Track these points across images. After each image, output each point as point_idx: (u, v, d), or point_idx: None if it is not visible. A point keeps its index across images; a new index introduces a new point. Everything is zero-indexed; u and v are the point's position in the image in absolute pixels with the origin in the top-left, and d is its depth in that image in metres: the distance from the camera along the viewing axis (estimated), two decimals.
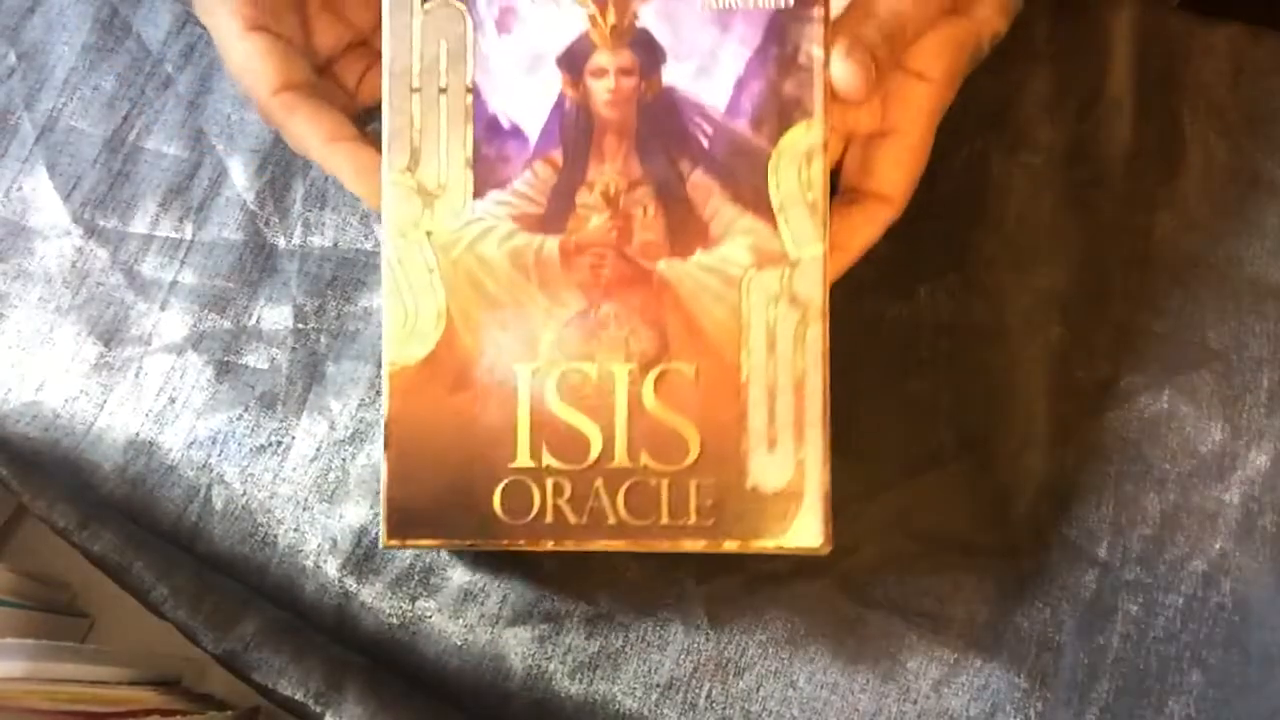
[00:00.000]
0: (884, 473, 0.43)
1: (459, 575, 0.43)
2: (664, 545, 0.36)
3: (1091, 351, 0.43)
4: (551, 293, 0.36)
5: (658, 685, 0.41)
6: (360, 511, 0.43)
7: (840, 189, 0.39)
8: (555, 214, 0.36)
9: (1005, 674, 0.41)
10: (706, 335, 0.36)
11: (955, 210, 0.45)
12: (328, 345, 0.45)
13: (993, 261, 0.44)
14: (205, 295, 0.46)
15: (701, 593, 0.42)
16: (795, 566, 0.42)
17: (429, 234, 0.36)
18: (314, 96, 0.37)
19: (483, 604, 0.42)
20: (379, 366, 0.36)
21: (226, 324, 0.45)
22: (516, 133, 0.36)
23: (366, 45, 0.41)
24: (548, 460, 0.36)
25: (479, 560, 0.43)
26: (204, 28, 0.39)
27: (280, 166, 0.47)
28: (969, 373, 0.43)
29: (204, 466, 0.44)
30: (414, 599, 0.42)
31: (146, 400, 0.45)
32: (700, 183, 0.36)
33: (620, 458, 0.36)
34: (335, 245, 0.46)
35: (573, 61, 0.36)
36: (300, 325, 0.45)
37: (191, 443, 0.44)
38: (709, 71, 0.35)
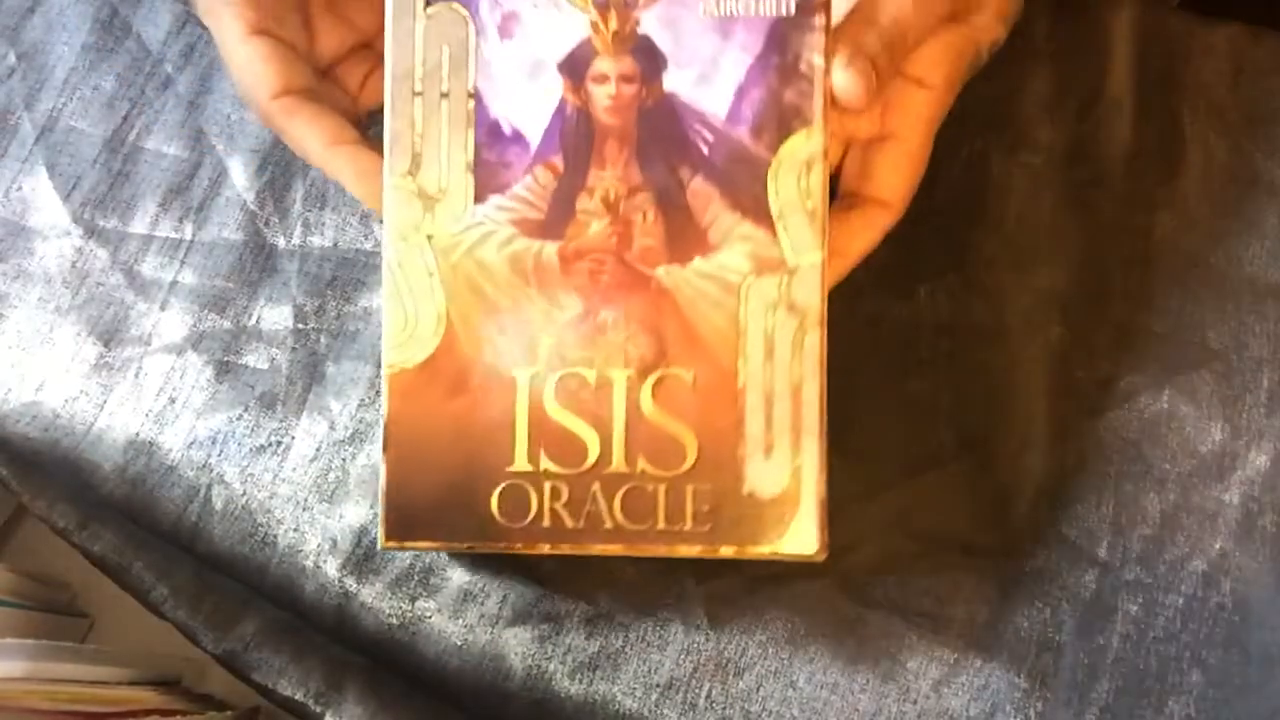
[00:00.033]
0: (884, 473, 0.43)
1: (459, 576, 0.43)
2: (660, 550, 0.36)
3: (1091, 351, 0.43)
4: (551, 297, 0.36)
5: (658, 685, 0.41)
6: (360, 512, 0.43)
7: (839, 194, 0.39)
8: (555, 219, 0.36)
9: (1005, 674, 0.41)
10: (704, 341, 0.36)
11: (955, 210, 0.45)
12: (328, 345, 0.45)
13: (993, 261, 0.44)
14: (205, 295, 0.46)
15: (701, 593, 0.42)
16: (795, 567, 0.42)
17: (429, 238, 0.36)
18: (314, 101, 0.37)
19: (483, 604, 0.42)
20: (379, 367, 0.37)
21: (226, 324, 0.45)
22: (518, 138, 0.36)
23: (370, 48, 0.41)
24: (545, 464, 0.36)
25: (479, 561, 0.43)
26: (205, 29, 0.39)
27: (280, 166, 0.47)
28: (969, 373, 0.43)
29: (204, 466, 0.44)
30: (414, 599, 0.42)
31: (146, 400, 0.45)
32: (700, 189, 0.36)
33: (618, 462, 0.36)
34: (335, 245, 0.46)
35: (574, 67, 0.36)
36: (300, 325, 0.45)
37: (191, 443, 0.44)
38: (710, 79, 0.36)
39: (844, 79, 0.35)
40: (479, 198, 0.36)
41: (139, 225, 0.47)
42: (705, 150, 0.36)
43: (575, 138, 0.36)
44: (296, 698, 0.39)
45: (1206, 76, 0.46)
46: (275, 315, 0.45)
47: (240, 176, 0.47)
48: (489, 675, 0.42)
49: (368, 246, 0.46)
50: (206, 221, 0.46)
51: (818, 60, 0.35)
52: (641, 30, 0.36)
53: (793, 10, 0.35)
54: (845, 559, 0.42)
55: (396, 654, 0.42)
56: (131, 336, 0.45)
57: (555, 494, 0.36)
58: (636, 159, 0.36)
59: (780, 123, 0.35)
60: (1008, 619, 0.41)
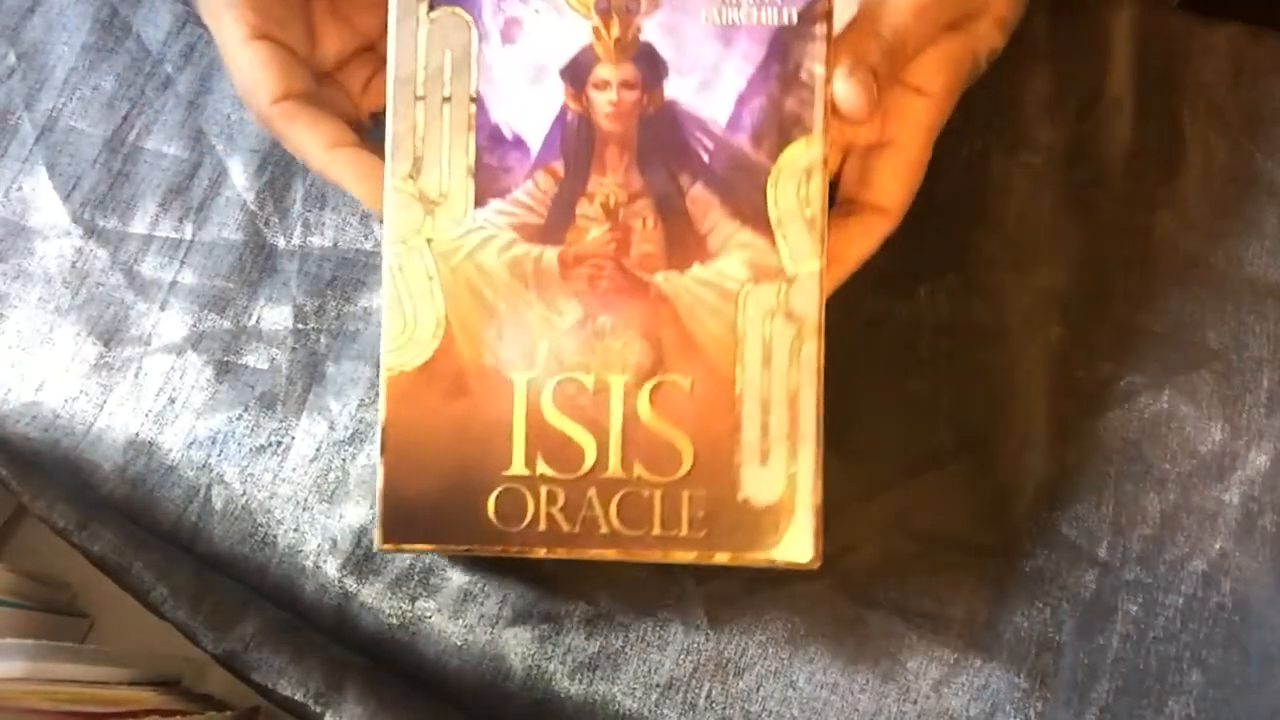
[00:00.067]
0: (884, 473, 0.43)
1: (459, 576, 0.43)
2: (656, 555, 0.36)
3: (1091, 351, 0.43)
4: (549, 302, 0.36)
5: (658, 685, 0.41)
6: (360, 512, 0.43)
7: (838, 200, 0.39)
8: (555, 224, 0.36)
9: (1005, 674, 0.41)
10: (702, 348, 0.36)
11: (955, 210, 0.45)
12: (328, 345, 0.45)
13: (993, 261, 0.44)
14: (205, 295, 0.46)
15: (701, 593, 0.42)
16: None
17: (429, 241, 0.36)
18: (314, 105, 0.37)
19: (482, 604, 0.42)
20: (379, 367, 0.37)
21: (226, 324, 0.45)
22: (518, 143, 0.36)
23: (372, 51, 0.41)
24: (542, 468, 0.36)
25: (479, 561, 0.43)
26: (205, 29, 0.39)
27: (280, 166, 0.47)
28: (969, 373, 0.43)
29: (204, 466, 0.44)
30: (414, 599, 0.42)
31: (146, 400, 0.45)
32: (699, 197, 0.36)
33: (614, 468, 0.36)
34: (335, 245, 0.46)
35: (576, 73, 0.36)
36: (300, 325, 0.45)
37: (191, 443, 0.44)
38: (711, 86, 0.36)
39: (846, 90, 0.35)
40: (479, 202, 0.36)
41: (139, 225, 0.47)
42: (705, 157, 0.36)
43: (576, 143, 0.36)
44: (296, 698, 0.39)
45: (1206, 76, 0.46)
46: (275, 315, 0.45)
47: (240, 176, 0.47)
48: (489, 675, 0.42)
49: (368, 246, 0.46)
50: (206, 221, 0.46)
51: (819, 69, 0.35)
52: (643, 37, 0.36)
53: (794, 19, 0.35)
54: (845, 559, 0.42)
55: (396, 654, 0.42)
56: (131, 336, 0.45)
57: (552, 498, 0.36)
58: (637, 165, 0.36)
59: (780, 131, 0.35)
60: (1008, 619, 0.41)
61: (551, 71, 0.36)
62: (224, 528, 0.43)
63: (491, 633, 0.42)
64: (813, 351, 0.36)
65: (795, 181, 0.35)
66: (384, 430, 0.36)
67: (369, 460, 0.44)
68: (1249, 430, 0.42)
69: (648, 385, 0.36)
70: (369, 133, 0.39)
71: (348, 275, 0.46)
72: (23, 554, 0.45)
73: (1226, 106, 0.45)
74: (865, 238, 0.38)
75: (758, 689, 0.41)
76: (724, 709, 0.41)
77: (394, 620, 0.42)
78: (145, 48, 0.48)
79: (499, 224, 0.36)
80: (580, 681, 0.42)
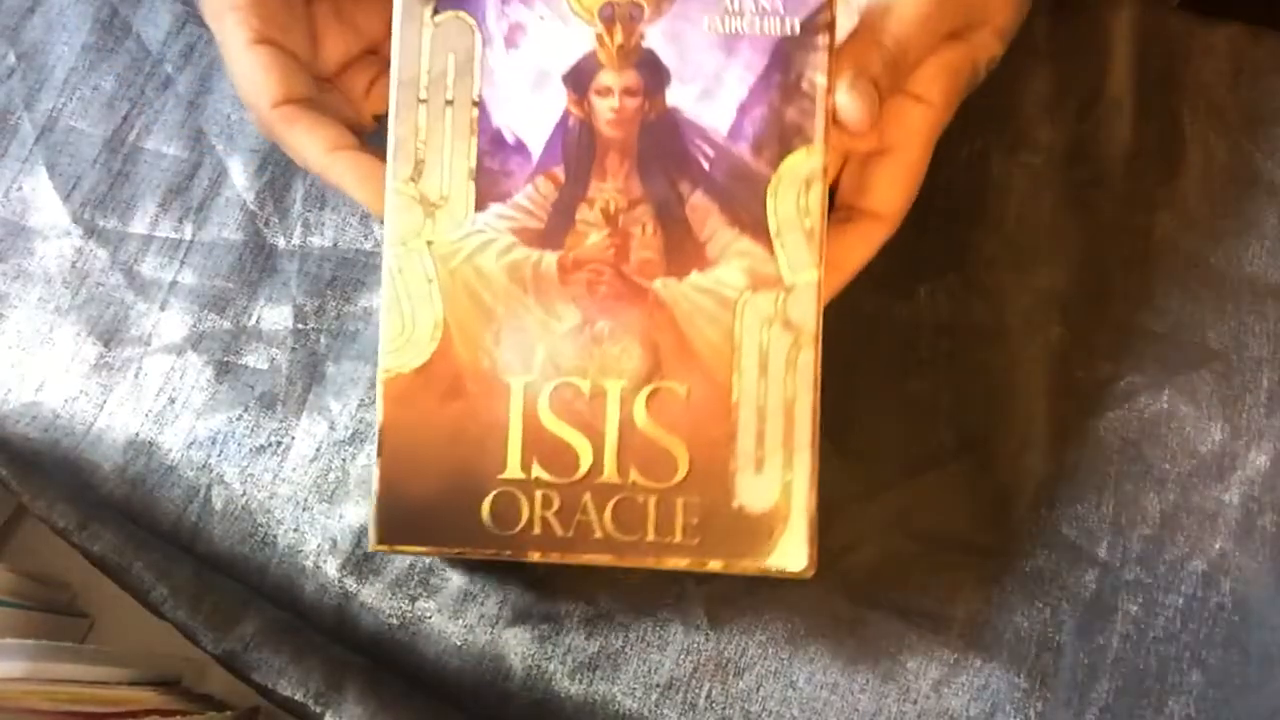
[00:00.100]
0: (884, 473, 0.43)
1: (459, 576, 0.43)
2: (649, 562, 0.36)
3: (1091, 351, 0.43)
4: (548, 307, 0.36)
5: (658, 685, 0.41)
6: (360, 511, 0.43)
7: (836, 206, 0.39)
8: (555, 229, 0.36)
9: (1005, 674, 0.41)
10: (699, 355, 0.36)
11: (955, 210, 0.45)
12: (327, 345, 0.45)
13: (993, 261, 0.44)
14: (205, 295, 0.46)
15: (701, 593, 0.42)
16: None
17: (429, 244, 0.36)
18: (314, 110, 0.38)
19: (482, 604, 0.42)
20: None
21: (226, 324, 0.45)
22: (520, 147, 0.36)
23: (376, 54, 0.41)
24: (537, 472, 0.36)
25: (478, 561, 0.43)
26: (206, 30, 0.39)
27: (280, 166, 0.47)
28: (969, 373, 0.43)
29: (204, 466, 0.44)
30: (414, 599, 0.42)
31: (146, 400, 0.45)
32: (699, 204, 0.36)
33: (609, 473, 0.36)
34: (335, 245, 0.46)
35: (578, 79, 0.36)
36: (300, 325, 0.45)
37: (191, 443, 0.44)
38: (713, 94, 0.36)
39: (847, 102, 0.35)
40: (480, 205, 0.36)
41: (139, 225, 0.47)
42: (706, 165, 0.36)
43: (577, 149, 0.36)
44: (296, 698, 0.39)
45: (1206, 76, 0.46)
46: (275, 315, 0.45)
47: (240, 176, 0.47)
48: (489, 675, 0.42)
49: (368, 247, 0.46)
50: (206, 221, 0.46)
51: (820, 79, 0.35)
52: (646, 45, 0.36)
53: (797, 30, 0.35)
54: (845, 559, 0.42)
55: (396, 654, 0.42)
56: (131, 336, 0.45)
57: (546, 502, 0.36)
58: (637, 172, 0.36)
59: (781, 140, 0.36)
60: (1008, 619, 0.41)
61: (554, 77, 0.36)
62: (224, 528, 0.43)
63: (491, 633, 0.42)
64: (809, 360, 0.36)
65: (795, 191, 0.35)
66: (381, 432, 0.36)
67: (369, 460, 0.44)
68: (1249, 430, 0.42)
69: (644, 391, 0.36)
70: (370, 136, 0.39)
71: (348, 275, 0.46)
72: (23, 554, 0.45)
73: (1226, 106, 0.45)
74: (863, 245, 0.38)
75: (758, 689, 0.41)
76: (724, 709, 0.41)
77: (394, 620, 0.42)
78: (145, 48, 0.48)
79: (499, 228, 0.36)
80: (580, 681, 0.42)
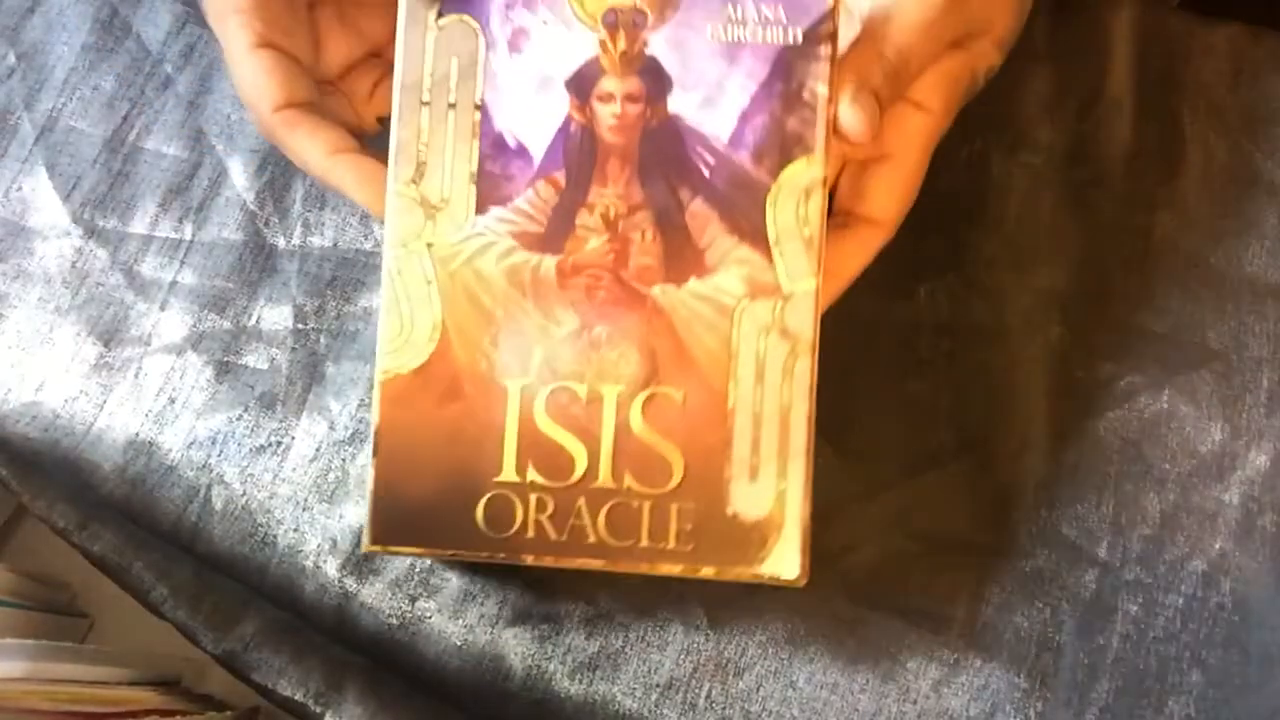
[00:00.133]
0: (884, 473, 0.43)
1: (458, 576, 0.43)
2: (642, 567, 0.36)
3: (1091, 351, 0.43)
4: (546, 311, 0.36)
5: (658, 685, 0.41)
6: (360, 511, 0.43)
7: (833, 211, 0.39)
8: (555, 234, 0.36)
9: (1005, 674, 0.41)
10: (696, 362, 0.36)
11: (955, 210, 0.45)
12: (327, 345, 0.45)
13: (993, 261, 0.44)
14: (205, 295, 0.46)
15: (701, 593, 0.42)
16: None
17: (430, 246, 0.36)
18: (315, 113, 0.38)
19: (482, 604, 0.42)
20: None
21: (226, 324, 0.45)
22: (522, 151, 0.36)
23: (379, 57, 0.41)
24: (532, 476, 0.36)
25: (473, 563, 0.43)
26: (205, 29, 0.39)
27: (280, 166, 0.47)
28: (969, 373, 0.43)
29: (204, 466, 0.44)
30: (414, 599, 0.42)
31: (146, 400, 0.45)
32: (699, 211, 0.36)
33: (604, 478, 0.36)
34: (335, 245, 0.46)
35: (581, 85, 0.36)
36: (300, 325, 0.45)
37: (191, 443, 0.44)
38: (714, 102, 0.36)
39: (849, 114, 0.35)
40: (480, 209, 0.36)
41: (139, 225, 0.47)
42: (706, 173, 0.36)
43: (578, 154, 0.36)
44: (296, 698, 0.39)
45: (1206, 76, 0.46)
46: (275, 315, 0.45)
47: (240, 176, 0.47)
48: (489, 675, 0.42)
49: (367, 246, 0.46)
50: (206, 221, 0.46)
51: (822, 89, 0.36)
52: (649, 51, 0.36)
53: (799, 39, 0.36)
54: (845, 559, 0.42)
55: (396, 654, 0.42)
56: (131, 336, 0.45)
57: (541, 506, 0.36)
58: (638, 178, 0.36)
59: (782, 149, 0.36)
60: (1008, 619, 0.41)
61: (557, 82, 0.36)
62: (224, 528, 0.44)
63: (491, 633, 0.42)
64: (806, 369, 0.36)
65: (795, 200, 0.36)
66: (377, 432, 0.36)
67: (369, 460, 0.44)
68: (1249, 430, 0.42)
69: (641, 396, 0.36)
70: (371, 139, 0.39)
71: (348, 275, 0.46)
72: (23, 554, 0.45)
73: (1226, 106, 0.45)
74: (859, 251, 0.38)
75: (758, 689, 0.41)
76: (724, 709, 0.41)
77: (394, 620, 0.42)
78: (145, 48, 0.48)
79: (499, 231, 0.36)
80: (580, 681, 0.42)
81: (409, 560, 0.43)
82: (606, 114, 0.36)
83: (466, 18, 0.36)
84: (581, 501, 0.36)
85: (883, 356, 0.44)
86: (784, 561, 0.36)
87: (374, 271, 0.46)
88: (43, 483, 0.42)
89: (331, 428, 0.44)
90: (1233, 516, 0.42)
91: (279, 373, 0.45)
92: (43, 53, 0.48)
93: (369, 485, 0.36)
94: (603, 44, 0.36)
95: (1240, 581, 0.41)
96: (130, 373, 0.45)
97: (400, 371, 0.36)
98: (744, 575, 0.36)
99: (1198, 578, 0.41)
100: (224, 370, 0.45)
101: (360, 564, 0.43)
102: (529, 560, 0.36)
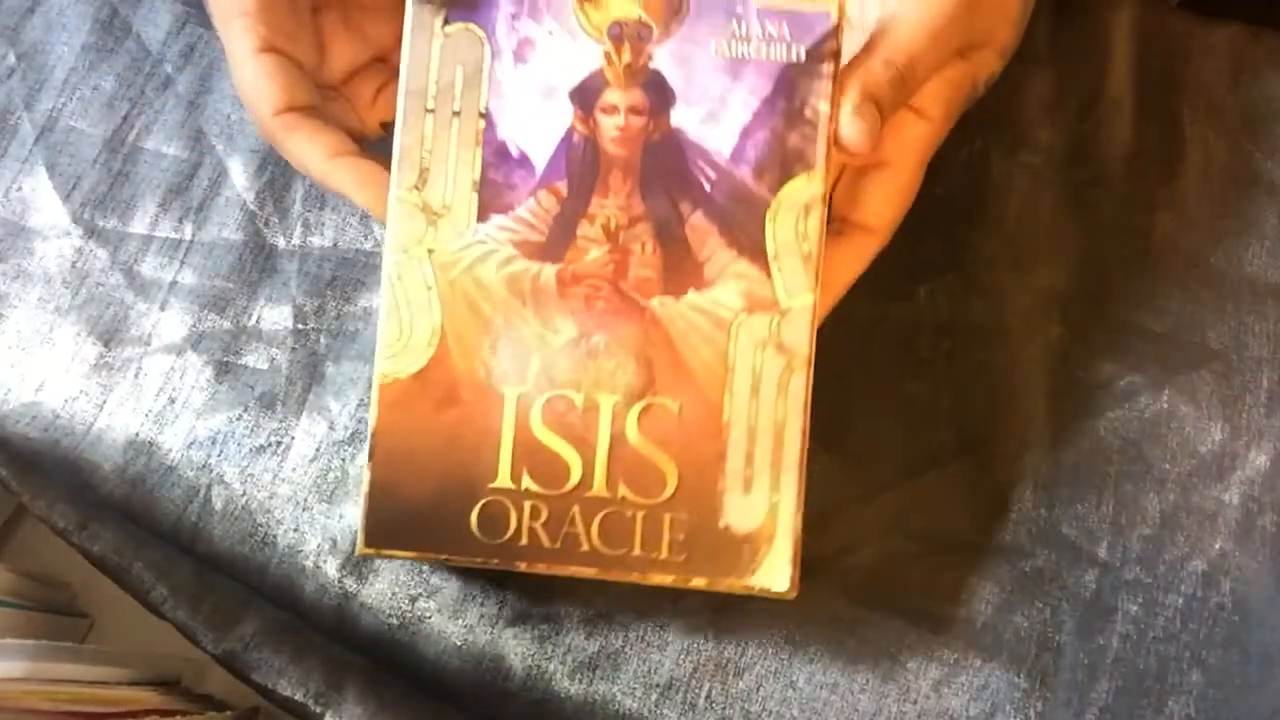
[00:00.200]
0: (883, 473, 0.43)
1: (458, 576, 0.43)
2: (634, 577, 0.36)
3: (1091, 351, 0.43)
4: (545, 320, 0.36)
5: (658, 685, 0.41)
6: (360, 512, 0.43)
7: (829, 217, 0.39)
8: (555, 243, 0.36)
9: (1005, 674, 0.41)
10: (693, 374, 0.36)
11: (955, 210, 0.45)
12: (327, 345, 0.45)
13: (993, 261, 0.44)
14: (205, 295, 0.46)
15: (701, 593, 0.42)
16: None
17: (430, 252, 0.36)
18: (315, 118, 0.38)
19: (482, 604, 0.42)
20: None
21: (226, 324, 0.45)
22: (524, 161, 0.36)
23: (384, 63, 0.41)
24: (527, 483, 0.36)
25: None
26: (206, 29, 0.39)
27: (280, 166, 0.47)
28: (969, 373, 0.43)
29: (204, 467, 0.44)
30: (414, 599, 0.42)
31: (146, 400, 0.45)
32: (699, 225, 0.36)
33: (599, 487, 0.36)
34: (335, 245, 0.46)
35: (585, 96, 0.36)
36: (300, 325, 0.45)
37: (191, 443, 0.44)
38: (717, 117, 0.36)
39: (850, 127, 0.35)
40: (482, 216, 0.36)
41: (139, 225, 0.47)
42: (707, 187, 0.36)
43: (581, 165, 0.36)
44: (296, 698, 0.39)
45: (1206, 76, 0.46)
46: (275, 315, 0.45)
47: (240, 176, 0.47)
48: (489, 675, 0.42)
49: (368, 247, 0.46)
50: (206, 221, 0.46)
51: (823, 107, 0.36)
52: (653, 65, 0.36)
53: (803, 57, 0.36)
54: (844, 560, 0.42)
55: (396, 654, 0.42)
56: (131, 336, 0.45)
57: (535, 513, 0.36)
58: (639, 190, 0.36)
59: (782, 165, 0.36)
60: (1008, 619, 0.41)
61: (561, 93, 0.36)
62: (224, 528, 0.44)
63: (491, 633, 0.42)
64: (801, 383, 0.36)
65: (794, 216, 0.36)
66: (374, 436, 0.36)
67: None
68: (1249, 430, 0.42)
69: (637, 407, 0.36)
70: (372, 144, 0.39)
71: (348, 275, 0.46)
72: (23, 554, 0.45)
73: (1226, 106, 0.45)
74: (855, 259, 0.38)
75: (758, 689, 0.41)
76: (724, 709, 0.41)
77: (394, 620, 0.42)
78: (145, 48, 0.48)
79: (500, 239, 0.36)
80: (580, 681, 0.42)
81: (409, 561, 0.43)
82: (610, 126, 0.36)
83: (472, 26, 0.36)
84: (575, 510, 0.36)
85: (883, 357, 0.44)
86: (775, 574, 0.36)
87: (374, 272, 0.46)
88: (43, 483, 0.42)
89: (331, 428, 0.44)
90: (1233, 516, 0.42)
91: (279, 373, 0.45)
92: (43, 53, 0.48)
93: (364, 488, 0.36)
94: (608, 56, 0.36)
95: (1240, 581, 0.41)
96: (130, 373, 0.45)
97: (398, 376, 0.36)
98: (735, 587, 0.36)
99: (1198, 578, 0.41)
100: (224, 370, 0.45)
101: (360, 564, 0.43)
102: (521, 567, 0.36)
